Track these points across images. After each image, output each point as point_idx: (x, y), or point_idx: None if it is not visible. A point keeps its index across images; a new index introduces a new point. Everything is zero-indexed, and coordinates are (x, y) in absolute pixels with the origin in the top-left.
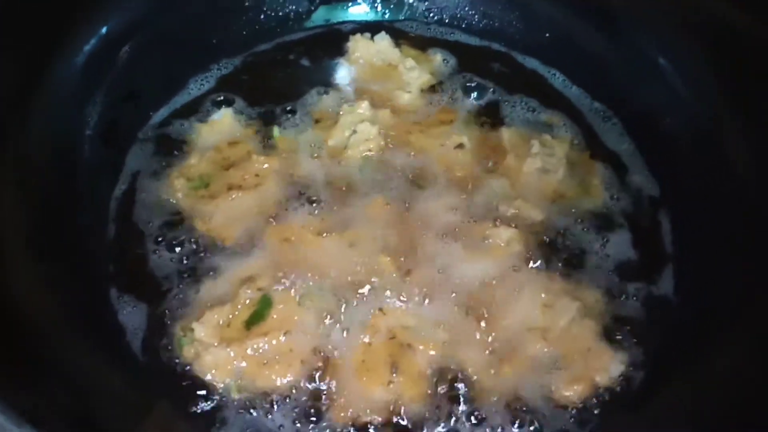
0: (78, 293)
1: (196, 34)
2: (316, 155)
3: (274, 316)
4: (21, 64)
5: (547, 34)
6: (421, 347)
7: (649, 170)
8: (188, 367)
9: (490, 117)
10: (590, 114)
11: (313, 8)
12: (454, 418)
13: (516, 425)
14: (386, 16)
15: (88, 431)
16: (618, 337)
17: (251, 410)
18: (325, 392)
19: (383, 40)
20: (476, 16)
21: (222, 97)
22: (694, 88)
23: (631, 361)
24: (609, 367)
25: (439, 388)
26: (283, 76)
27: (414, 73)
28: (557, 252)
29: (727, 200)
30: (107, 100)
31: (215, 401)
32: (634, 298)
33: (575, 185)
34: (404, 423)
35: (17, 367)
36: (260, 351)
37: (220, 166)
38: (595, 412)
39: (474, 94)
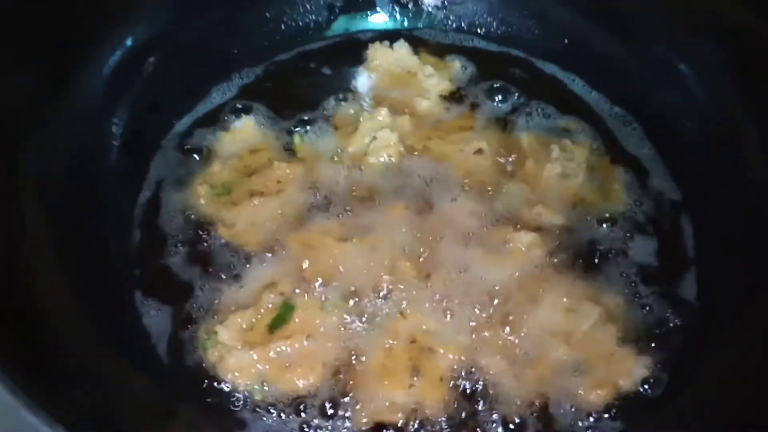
0: (103, 298)
1: (217, 44)
2: (336, 162)
3: (297, 320)
4: (46, 76)
5: (566, 40)
6: (442, 351)
7: (671, 174)
8: (212, 370)
9: (509, 122)
10: (610, 119)
11: (332, 18)
12: (475, 422)
13: (538, 429)
14: (405, 24)
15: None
16: (641, 342)
17: (274, 412)
18: (346, 395)
19: (402, 47)
20: (494, 23)
21: (244, 106)
22: (714, 93)
23: (654, 365)
24: (632, 371)
25: (460, 392)
26: (303, 85)
27: (433, 80)
28: (578, 256)
29: (748, 204)
30: (131, 110)
31: (239, 403)
32: (657, 303)
33: (596, 190)
34: (425, 427)
35: (46, 371)
36: (283, 354)
37: (243, 173)
38: (619, 416)
39: (493, 100)
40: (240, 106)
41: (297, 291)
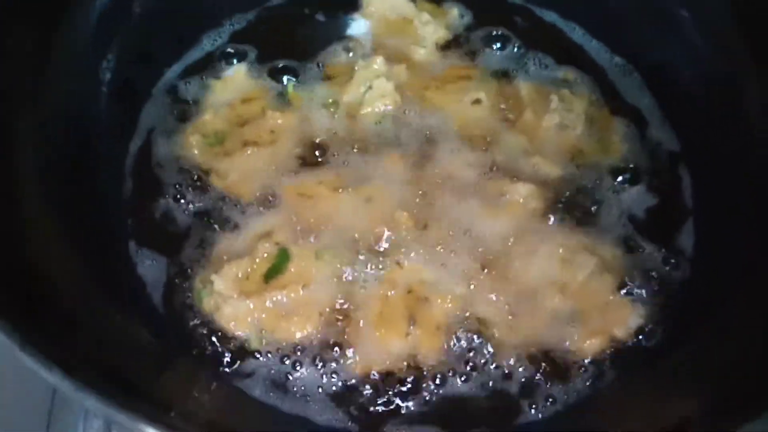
0: (98, 248)
1: None
2: (331, 111)
3: (292, 270)
4: (34, 23)
5: None
6: (438, 301)
7: (670, 125)
8: (208, 319)
9: (507, 72)
10: (610, 68)
11: None
12: (470, 370)
13: (533, 378)
14: None
15: (114, 380)
16: (637, 292)
17: (270, 361)
18: (343, 344)
19: None
20: None
21: (235, 53)
22: (716, 42)
23: (649, 316)
24: (627, 320)
25: (456, 341)
26: (296, 32)
27: (430, 28)
28: (576, 207)
29: (747, 155)
30: (121, 58)
31: (235, 352)
32: (654, 253)
33: (594, 141)
34: (422, 375)
35: (42, 318)
36: (279, 303)
37: (235, 123)
38: (613, 365)
39: (491, 49)
40: (232, 53)
41: (292, 241)
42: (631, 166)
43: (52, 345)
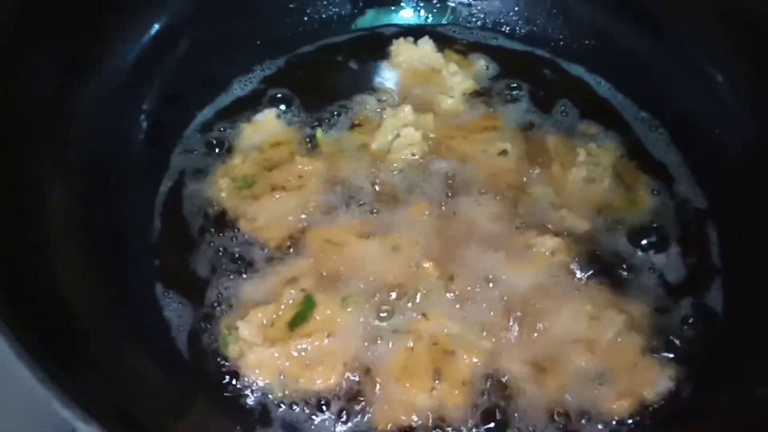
0: (125, 290)
1: (239, 35)
2: (358, 158)
3: (317, 318)
4: (70, 64)
5: (593, 41)
6: (464, 355)
7: (697, 181)
8: (232, 366)
9: (533, 124)
10: (636, 123)
11: (356, 11)
12: (496, 429)
13: None
14: (429, 21)
15: (135, 425)
16: (665, 352)
17: (293, 410)
18: (366, 396)
19: (426, 44)
20: (519, 22)
21: (265, 98)
22: (745, 97)
23: (678, 377)
24: (656, 382)
25: (481, 397)
26: (326, 79)
27: (457, 78)
28: (603, 263)
29: None
30: (153, 101)
31: (258, 400)
32: (682, 312)
33: (621, 195)
34: (446, 431)
35: (70, 363)
36: (303, 352)
37: (264, 167)
38: (642, 428)
39: (517, 100)
40: (262, 98)
41: (318, 288)
42: (659, 222)
43: (81, 395)
